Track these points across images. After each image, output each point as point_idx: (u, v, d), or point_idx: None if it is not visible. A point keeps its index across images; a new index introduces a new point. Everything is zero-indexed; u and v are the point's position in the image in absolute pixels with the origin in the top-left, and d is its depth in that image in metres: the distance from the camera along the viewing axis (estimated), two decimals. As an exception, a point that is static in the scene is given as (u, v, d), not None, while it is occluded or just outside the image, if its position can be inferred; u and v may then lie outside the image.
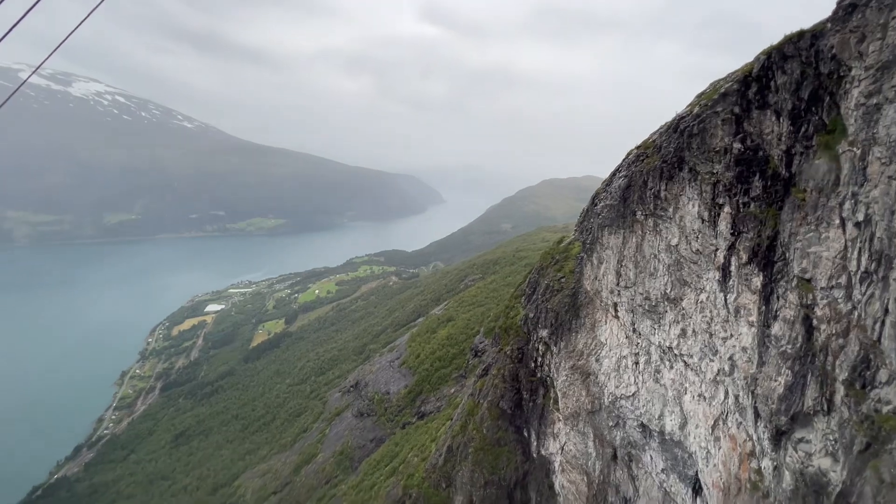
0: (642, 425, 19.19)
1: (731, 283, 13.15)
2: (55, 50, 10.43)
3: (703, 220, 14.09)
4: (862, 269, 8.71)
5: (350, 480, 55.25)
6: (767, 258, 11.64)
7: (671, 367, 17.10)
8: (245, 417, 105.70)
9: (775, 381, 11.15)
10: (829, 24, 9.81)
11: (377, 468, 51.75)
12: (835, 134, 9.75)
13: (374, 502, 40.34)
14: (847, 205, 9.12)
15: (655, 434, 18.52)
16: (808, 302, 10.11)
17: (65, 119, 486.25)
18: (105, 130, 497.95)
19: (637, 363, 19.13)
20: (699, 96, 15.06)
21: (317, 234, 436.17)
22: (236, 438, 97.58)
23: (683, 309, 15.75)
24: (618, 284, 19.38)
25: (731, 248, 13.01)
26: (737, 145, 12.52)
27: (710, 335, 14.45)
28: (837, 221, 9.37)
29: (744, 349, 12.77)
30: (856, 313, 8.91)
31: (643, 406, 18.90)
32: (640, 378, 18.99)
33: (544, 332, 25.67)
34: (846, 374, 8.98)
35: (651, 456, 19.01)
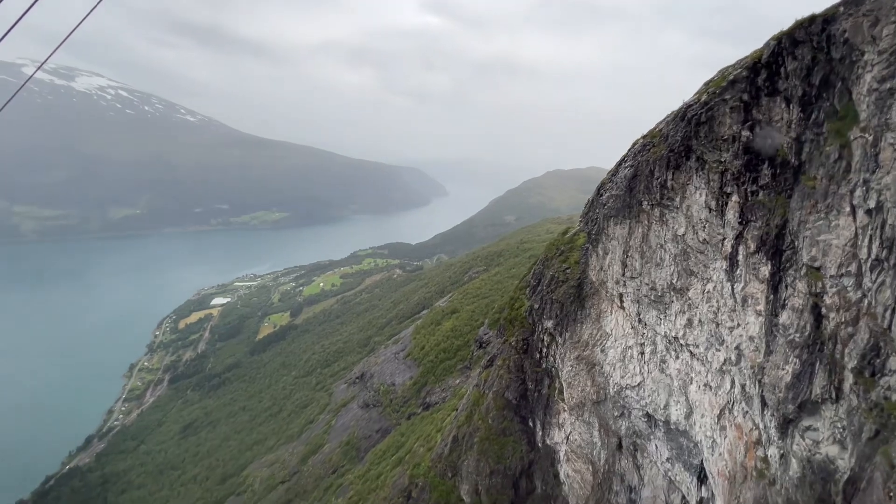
0: (647, 415, 19.27)
1: (738, 272, 13.08)
2: (59, 46, 10.43)
3: (710, 210, 13.98)
4: (873, 256, 8.64)
5: (356, 470, 55.96)
6: (776, 247, 11.55)
7: (677, 357, 17.10)
8: (252, 409, 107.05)
9: (783, 369, 11.13)
10: (841, 8, 9.62)
11: (383, 458, 52.33)
12: (846, 120, 9.61)
13: (380, 491, 40.86)
14: (858, 192, 9.01)
15: (661, 423, 18.59)
16: (818, 290, 10.04)
17: (69, 114, 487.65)
18: (109, 125, 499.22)
19: (643, 353, 19.15)
20: (707, 84, 14.86)
21: (320, 227, 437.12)
22: (244, 429, 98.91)
23: (690, 299, 15.71)
24: (623, 275, 19.34)
25: (739, 238, 12.92)
26: (745, 133, 12.37)
27: (717, 325, 14.42)
28: (848, 209, 9.27)
29: (751, 338, 12.75)
30: (866, 301, 8.86)
31: (648, 396, 18.95)
32: (646, 368, 19.02)
33: (549, 323, 25.71)
34: (855, 362, 8.95)
35: (656, 445, 19.11)
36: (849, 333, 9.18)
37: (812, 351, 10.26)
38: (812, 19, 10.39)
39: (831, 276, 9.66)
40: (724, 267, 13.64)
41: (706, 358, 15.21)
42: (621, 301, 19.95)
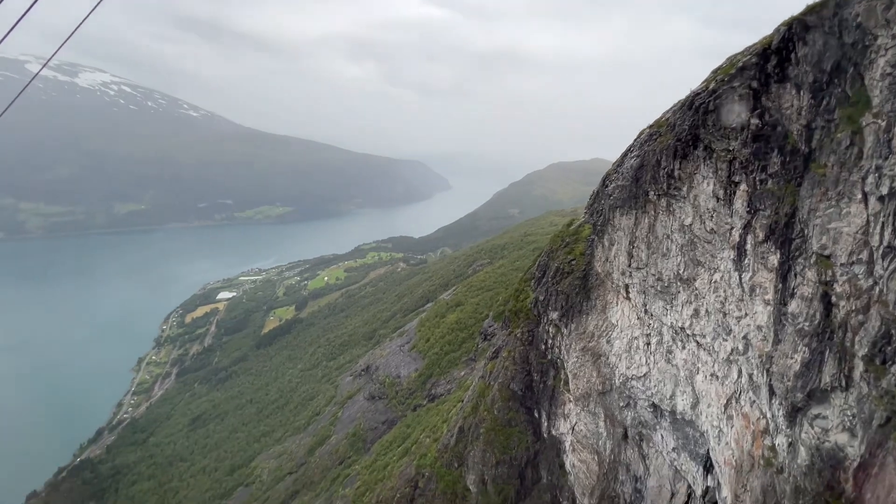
0: (653, 405, 19.31)
1: (746, 261, 13.01)
2: (62, 46, 10.45)
3: (718, 199, 13.88)
4: (885, 243, 8.57)
5: (363, 461, 56.56)
6: (785, 235, 11.47)
7: (683, 348, 17.09)
8: (259, 401, 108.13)
9: (791, 358, 11.11)
10: (854, -9, 9.45)
11: (390, 449, 52.83)
12: (858, 106, 9.48)
13: (387, 481, 41.29)
14: (870, 179, 8.92)
15: (667, 414, 18.63)
16: (827, 278, 9.98)
17: (72, 110, 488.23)
18: (112, 121, 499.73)
19: (649, 344, 19.14)
20: (715, 72, 14.67)
21: (324, 221, 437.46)
22: (251, 422, 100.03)
23: (696, 289, 15.66)
24: (629, 266, 19.28)
25: (747, 227, 12.83)
26: (754, 121, 12.23)
27: (724, 315, 14.38)
28: (860, 196, 9.18)
29: (759, 328, 12.71)
30: (877, 289, 8.80)
31: (654, 386, 18.98)
32: (652, 359, 19.03)
33: (554, 315, 25.73)
34: (866, 349, 8.92)
35: (662, 435, 19.17)
36: (859, 321, 9.14)
37: (821, 339, 10.22)
38: (824, 3, 10.21)
39: (842, 265, 9.60)
40: (732, 256, 13.57)
41: (713, 348, 15.19)
42: (627, 292, 19.91)
